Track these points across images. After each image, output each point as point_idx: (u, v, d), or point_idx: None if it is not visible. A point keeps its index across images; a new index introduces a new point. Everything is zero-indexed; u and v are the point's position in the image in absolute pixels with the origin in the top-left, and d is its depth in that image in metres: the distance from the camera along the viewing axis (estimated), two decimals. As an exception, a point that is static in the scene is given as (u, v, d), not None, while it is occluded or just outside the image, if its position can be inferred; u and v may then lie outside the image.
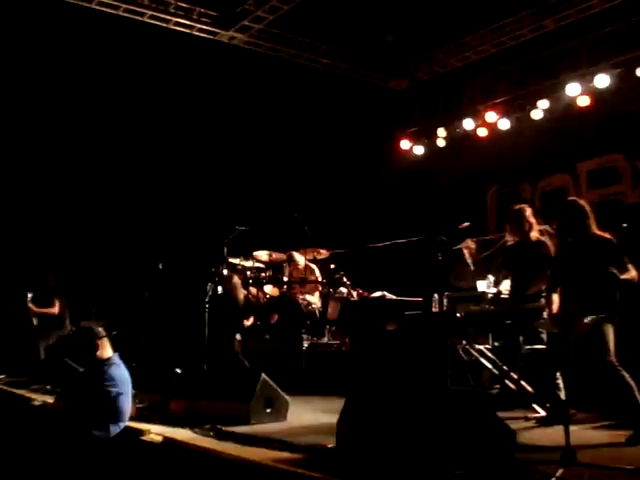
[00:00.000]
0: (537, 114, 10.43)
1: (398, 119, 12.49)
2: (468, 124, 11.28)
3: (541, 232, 6.20)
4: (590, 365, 5.02)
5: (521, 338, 5.95)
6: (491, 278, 6.37)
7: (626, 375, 4.83)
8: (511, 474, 3.90)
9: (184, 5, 10.14)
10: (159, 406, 5.98)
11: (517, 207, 6.32)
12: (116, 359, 5.36)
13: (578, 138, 10.09)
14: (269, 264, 10.20)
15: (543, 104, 10.32)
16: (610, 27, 9.52)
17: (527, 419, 5.59)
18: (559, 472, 3.74)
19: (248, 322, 8.65)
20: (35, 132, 10.25)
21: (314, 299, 9.53)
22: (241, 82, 10.88)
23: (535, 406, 5.77)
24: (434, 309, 6.70)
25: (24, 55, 9.64)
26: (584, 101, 9.83)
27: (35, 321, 9.16)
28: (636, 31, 9.29)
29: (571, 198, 5.85)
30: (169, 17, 10.15)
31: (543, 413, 5.63)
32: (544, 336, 5.84)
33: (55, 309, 9.11)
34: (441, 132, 11.76)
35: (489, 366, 6.28)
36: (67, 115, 10.32)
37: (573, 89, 9.84)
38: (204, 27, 10.44)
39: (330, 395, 6.72)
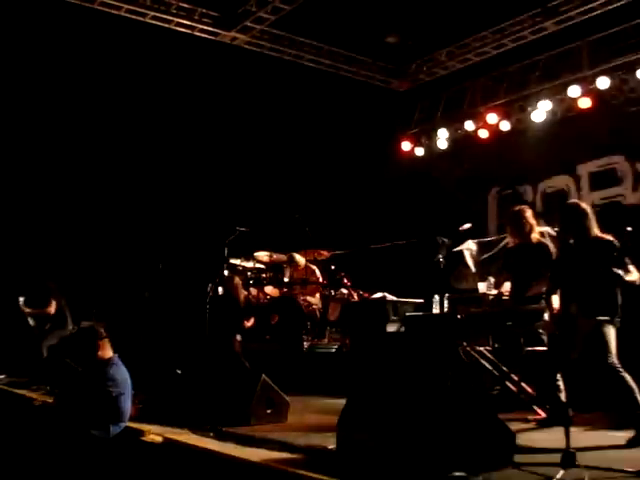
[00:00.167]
0: (538, 116, 10.44)
1: (399, 120, 12.50)
2: (469, 126, 11.29)
3: (542, 234, 6.20)
4: (591, 367, 5.01)
5: (522, 340, 5.94)
6: (492, 280, 6.37)
7: (627, 376, 4.83)
8: (511, 476, 3.89)
9: (186, 6, 10.15)
10: (159, 407, 5.97)
11: (517, 208, 6.31)
12: (116, 359, 5.36)
13: (579, 140, 10.09)
14: (270, 265, 10.20)
15: (544, 106, 10.33)
16: (611, 29, 9.54)
17: (527, 421, 5.59)
18: (559, 474, 3.74)
19: (249, 323, 8.64)
20: (35, 132, 10.25)
21: (314, 300, 9.53)
22: (242, 83, 10.88)
23: (535, 408, 5.77)
24: (435, 310, 6.70)
25: (26, 55, 9.64)
26: (585, 103, 9.84)
27: (32, 322, 9.14)
28: (637, 33, 9.31)
29: (573, 200, 5.87)
30: (171, 18, 10.16)
31: (543, 415, 5.62)
32: (545, 337, 5.83)
33: (51, 309, 9.08)
34: (442, 133, 11.77)
35: (489, 367, 6.28)
36: (67, 115, 10.32)
37: (574, 91, 9.86)
38: (206, 28, 10.45)
39: (330, 396, 6.72)
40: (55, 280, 9.40)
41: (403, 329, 7.29)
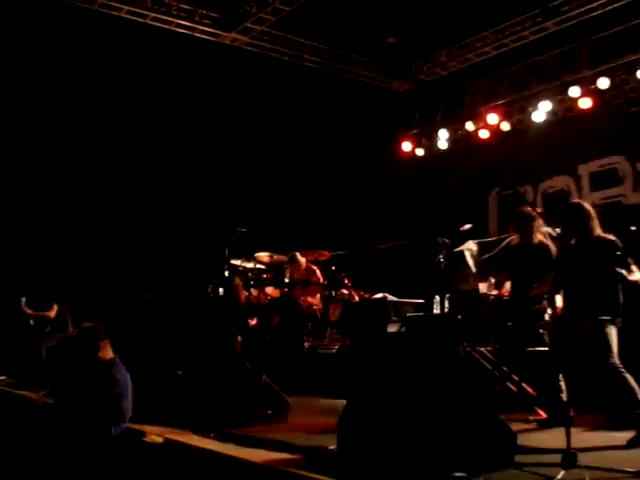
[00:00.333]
0: (538, 116, 10.44)
1: (400, 121, 12.50)
2: (470, 126, 11.29)
3: (543, 234, 6.20)
4: (592, 367, 5.01)
5: (522, 340, 5.94)
6: (492, 280, 6.37)
7: (629, 377, 4.83)
8: (512, 476, 3.89)
9: (186, 7, 10.16)
10: (160, 407, 5.97)
11: (521, 209, 6.32)
12: (117, 360, 5.36)
13: (579, 140, 10.09)
14: (270, 265, 10.20)
15: (544, 106, 10.33)
16: (611, 29, 9.54)
17: (528, 421, 5.58)
18: (560, 474, 3.74)
19: (253, 322, 8.65)
20: (36, 134, 10.25)
21: (315, 301, 9.53)
22: (243, 84, 10.89)
23: (536, 408, 5.77)
24: (435, 311, 6.70)
25: (26, 56, 9.64)
26: (585, 103, 9.84)
27: (32, 323, 9.14)
28: (637, 33, 9.31)
29: (575, 201, 5.86)
30: (171, 19, 10.17)
31: (544, 415, 5.62)
32: (546, 337, 5.83)
33: (52, 312, 9.07)
34: (443, 134, 11.77)
35: (490, 368, 6.27)
36: (68, 116, 10.32)
37: (574, 91, 9.86)
38: (206, 29, 10.46)
39: (331, 397, 6.72)
40: (56, 281, 9.41)
41: (404, 330, 7.28)
